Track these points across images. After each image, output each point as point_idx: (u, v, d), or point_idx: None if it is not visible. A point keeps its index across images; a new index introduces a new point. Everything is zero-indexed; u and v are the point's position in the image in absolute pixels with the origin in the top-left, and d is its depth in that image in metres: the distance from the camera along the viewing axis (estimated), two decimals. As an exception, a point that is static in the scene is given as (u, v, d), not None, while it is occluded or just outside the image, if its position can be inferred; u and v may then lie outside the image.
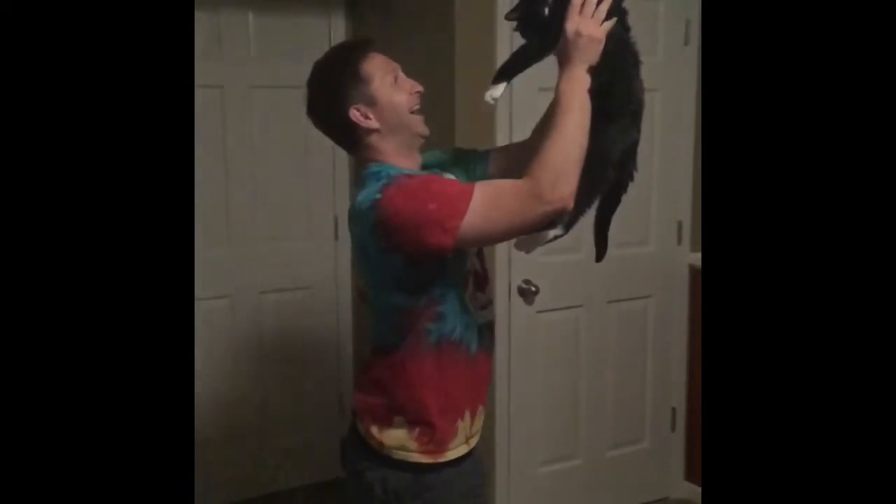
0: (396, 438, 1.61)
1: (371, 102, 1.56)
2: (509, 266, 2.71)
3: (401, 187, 1.49)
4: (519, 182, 1.47)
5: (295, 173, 3.16)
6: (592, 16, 1.49)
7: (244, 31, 3.01)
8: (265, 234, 3.14)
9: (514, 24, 1.56)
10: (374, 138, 1.59)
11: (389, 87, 1.58)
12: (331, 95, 1.57)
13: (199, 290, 2.68)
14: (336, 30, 3.12)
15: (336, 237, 3.26)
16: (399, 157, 1.60)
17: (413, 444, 1.60)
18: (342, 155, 3.18)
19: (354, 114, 1.56)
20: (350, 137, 1.61)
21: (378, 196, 1.48)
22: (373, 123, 1.57)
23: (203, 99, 2.81)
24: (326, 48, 3.16)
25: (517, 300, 2.74)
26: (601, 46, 1.50)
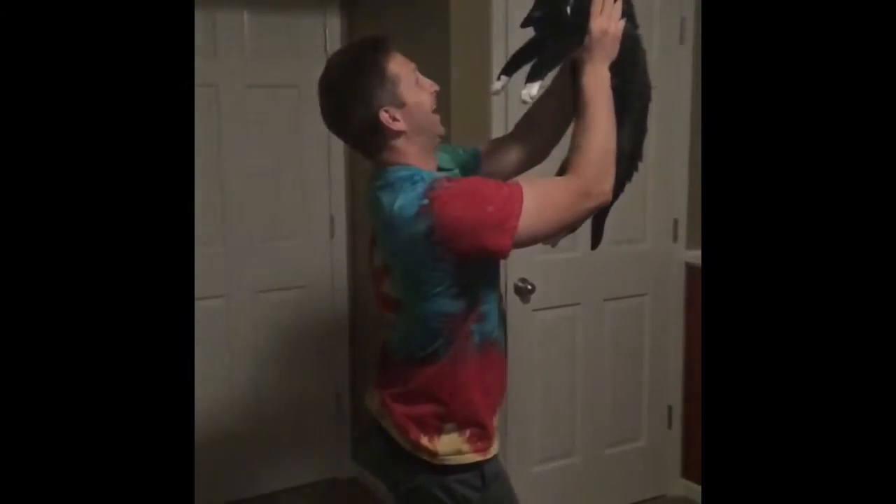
0: (450, 444, 1.60)
1: (399, 104, 1.52)
2: (505, 264, 2.70)
3: (451, 192, 1.46)
4: (566, 179, 1.50)
5: (290, 172, 3.15)
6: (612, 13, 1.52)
7: (239, 30, 3.00)
8: (261, 234, 3.14)
9: (521, 20, 1.57)
10: (400, 141, 1.54)
11: (414, 87, 1.54)
12: (356, 97, 1.51)
13: (196, 290, 2.67)
14: (331, 29, 3.11)
15: (332, 236, 3.26)
16: (422, 158, 1.57)
17: (467, 447, 1.61)
18: (338, 154, 3.20)
19: (383, 116, 1.51)
20: (375, 141, 1.55)
21: (425, 202, 1.44)
22: (401, 125, 1.53)
23: (199, 98, 2.80)
24: (322, 47, 3.15)
25: (513, 298, 2.74)
26: (619, 43, 1.54)
